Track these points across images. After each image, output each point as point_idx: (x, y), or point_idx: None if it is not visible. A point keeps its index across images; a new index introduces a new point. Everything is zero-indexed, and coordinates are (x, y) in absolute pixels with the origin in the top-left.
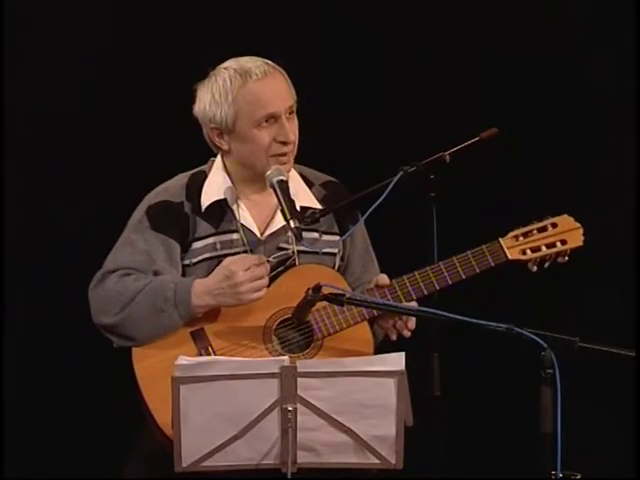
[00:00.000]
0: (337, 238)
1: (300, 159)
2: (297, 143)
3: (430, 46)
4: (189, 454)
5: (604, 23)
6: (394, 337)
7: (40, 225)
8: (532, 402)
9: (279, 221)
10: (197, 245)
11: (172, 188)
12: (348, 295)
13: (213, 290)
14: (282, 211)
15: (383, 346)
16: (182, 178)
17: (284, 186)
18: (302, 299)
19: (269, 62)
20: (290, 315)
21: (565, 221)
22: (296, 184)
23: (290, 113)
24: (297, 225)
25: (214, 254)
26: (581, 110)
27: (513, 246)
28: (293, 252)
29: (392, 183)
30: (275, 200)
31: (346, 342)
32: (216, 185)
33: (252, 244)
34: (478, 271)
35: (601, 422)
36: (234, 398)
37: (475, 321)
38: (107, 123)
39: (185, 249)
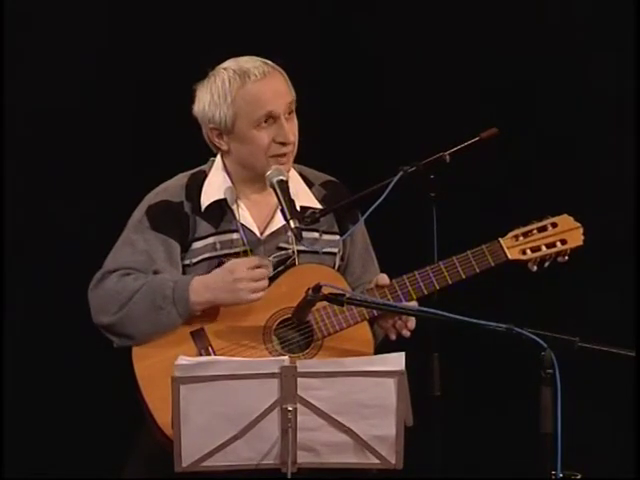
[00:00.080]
0: (337, 238)
1: (300, 159)
2: (297, 143)
3: (430, 46)
4: (189, 454)
5: (604, 23)
6: (393, 337)
7: (40, 225)
8: (532, 402)
9: (279, 221)
10: (197, 245)
11: (172, 188)
12: (348, 295)
13: (212, 286)
14: (282, 211)
15: (383, 346)
16: (182, 178)
17: (284, 186)
18: (302, 299)
19: (268, 62)
20: (290, 315)
21: (565, 221)
22: (296, 184)
23: (289, 113)
24: (297, 225)
25: (214, 254)
26: (581, 110)
27: (513, 246)
28: (293, 252)
29: (392, 183)
30: (275, 200)
31: (346, 342)
32: (216, 185)
33: (252, 244)
34: (478, 271)
35: (601, 422)
36: (234, 398)
37: (475, 321)
38: (107, 123)
39: (185, 249)
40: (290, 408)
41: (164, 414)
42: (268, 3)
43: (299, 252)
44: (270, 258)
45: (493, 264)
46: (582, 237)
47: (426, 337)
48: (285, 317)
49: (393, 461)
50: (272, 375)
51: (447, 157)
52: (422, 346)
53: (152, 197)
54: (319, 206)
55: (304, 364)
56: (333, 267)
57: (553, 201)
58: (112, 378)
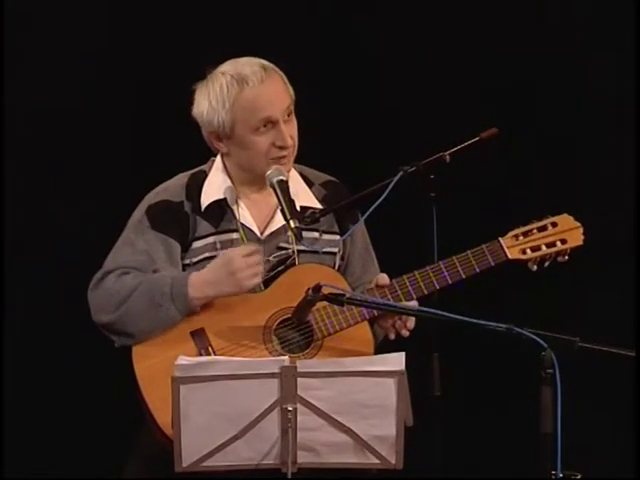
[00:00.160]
0: (337, 237)
1: (300, 159)
2: (297, 144)
3: (430, 46)
4: (189, 454)
5: (604, 23)
6: (392, 336)
7: (40, 225)
8: (532, 402)
9: (279, 221)
10: (197, 244)
11: (172, 188)
12: (348, 295)
13: (211, 280)
14: (282, 211)
15: (383, 346)
16: (182, 178)
17: (284, 186)
18: (302, 299)
19: (266, 64)
20: (290, 315)
21: (565, 220)
22: (296, 184)
23: (288, 115)
24: (297, 225)
25: (214, 253)
26: (581, 110)
27: (513, 245)
28: (293, 251)
29: (392, 183)
30: (275, 200)
31: (346, 342)
32: (216, 185)
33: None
34: (478, 271)
35: (601, 422)
36: (234, 398)
37: (475, 321)
38: (107, 123)
39: (185, 248)
40: (290, 408)
41: (164, 414)
42: (268, 3)
43: (299, 252)
44: (270, 258)
45: (493, 264)
46: (582, 237)
47: (426, 337)
48: (285, 317)
49: (393, 461)
50: (272, 375)
51: (447, 157)
52: (422, 346)
53: (152, 197)
54: (319, 206)
55: (304, 364)
56: (333, 267)
57: (553, 201)
58: (112, 378)
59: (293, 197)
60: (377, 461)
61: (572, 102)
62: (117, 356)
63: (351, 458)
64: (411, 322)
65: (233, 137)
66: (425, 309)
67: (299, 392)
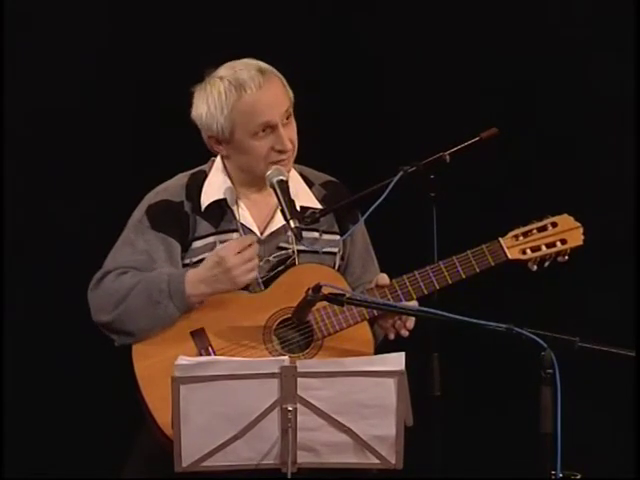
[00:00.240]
0: (337, 237)
1: (300, 159)
2: (296, 146)
3: (430, 46)
4: (189, 454)
5: (604, 23)
6: (392, 336)
7: (40, 225)
8: (532, 402)
9: (279, 221)
10: (197, 244)
11: (172, 187)
12: (348, 295)
13: (207, 278)
14: (282, 211)
15: (383, 346)
16: (182, 178)
17: (284, 186)
18: (302, 299)
19: (264, 67)
20: (290, 315)
21: (565, 220)
22: (296, 184)
23: (287, 118)
24: (297, 225)
25: None
26: (581, 110)
27: (513, 246)
28: (293, 252)
29: (392, 183)
30: (275, 200)
31: (346, 342)
32: (216, 185)
33: None
34: (478, 271)
35: (601, 422)
36: (234, 398)
37: (475, 321)
38: (107, 123)
39: (185, 248)
40: (290, 408)
41: (164, 414)
42: (268, 3)
43: (299, 252)
44: (270, 258)
45: (493, 264)
46: (582, 237)
47: (426, 337)
48: (285, 317)
49: (393, 461)
50: (272, 375)
51: (447, 157)
52: (422, 346)
53: (152, 197)
54: (319, 206)
55: (304, 364)
56: (333, 267)
57: (553, 201)
58: (112, 378)
59: (293, 197)
60: (377, 461)
61: (572, 102)
62: (117, 356)
63: (351, 458)
64: (411, 322)
65: (232, 142)
66: (425, 309)
67: (299, 392)
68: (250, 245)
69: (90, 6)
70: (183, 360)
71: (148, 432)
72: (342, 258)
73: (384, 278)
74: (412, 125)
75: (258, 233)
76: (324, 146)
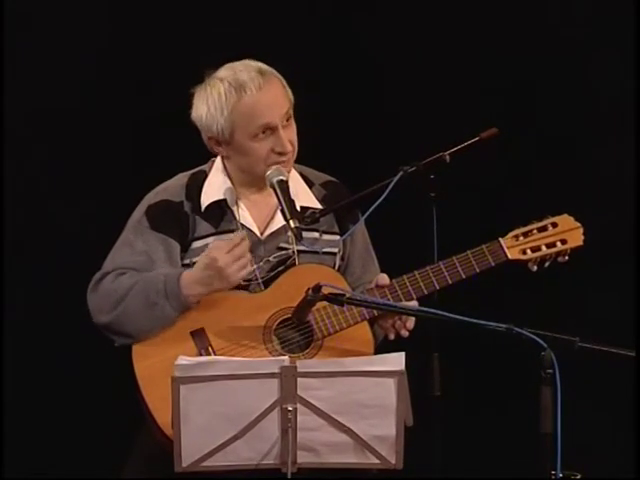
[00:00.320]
0: (337, 238)
1: (300, 159)
2: (296, 148)
3: (430, 46)
4: (189, 454)
5: (604, 23)
6: (392, 336)
7: (40, 225)
8: (532, 402)
9: (279, 221)
10: (197, 244)
11: (172, 188)
12: (348, 295)
13: (201, 279)
14: (282, 211)
15: (383, 346)
16: (182, 178)
17: (284, 186)
18: (302, 299)
19: (264, 68)
20: (290, 315)
21: (565, 221)
22: (296, 184)
23: (287, 119)
24: (297, 225)
25: None
26: (581, 110)
27: (513, 246)
28: (293, 252)
29: (392, 183)
30: (275, 200)
31: (346, 342)
32: (216, 185)
33: (252, 244)
34: (478, 271)
35: (601, 422)
36: (234, 398)
37: (475, 321)
38: (107, 123)
39: (185, 249)
40: (290, 408)
41: (164, 414)
42: (268, 3)
43: (299, 252)
44: (270, 258)
45: (493, 264)
46: (582, 237)
47: (426, 337)
48: (285, 317)
49: (393, 461)
50: (272, 375)
51: (447, 157)
52: (422, 346)
53: (152, 197)
54: (319, 206)
55: (304, 364)
56: (333, 267)
57: (553, 201)
58: (112, 378)
59: (293, 197)
60: (377, 461)
61: (572, 102)
62: (117, 356)
63: (351, 458)
64: (411, 322)
65: (232, 143)
66: (425, 309)
67: (299, 392)
68: (240, 242)
69: (90, 6)
70: (183, 360)
71: (148, 432)
72: (342, 258)
73: (384, 278)
74: (412, 125)
75: (258, 233)
76: (324, 146)
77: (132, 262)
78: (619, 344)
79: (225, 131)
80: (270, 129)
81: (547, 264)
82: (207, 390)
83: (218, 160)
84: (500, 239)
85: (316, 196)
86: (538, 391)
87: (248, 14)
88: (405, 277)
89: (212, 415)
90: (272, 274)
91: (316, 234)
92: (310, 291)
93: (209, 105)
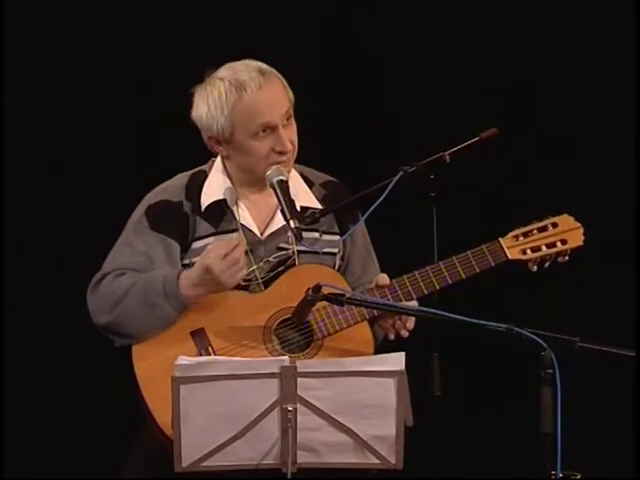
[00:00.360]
0: (337, 238)
1: (300, 159)
2: (296, 147)
3: (430, 46)
4: (189, 454)
5: (604, 23)
6: (392, 336)
7: (40, 225)
8: (532, 402)
9: (279, 221)
10: (197, 245)
11: (172, 188)
12: (348, 295)
13: (198, 283)
14: (282, 211)
15: (383, 346)
16: (182, 178)
17: (284, 186)
18: (302, 299)
19: (264, 68)
20: (290, 315)
21: (565, 221)
22: (296, 184)
23: (288, 119)
24: (297, 225)
25: None
26: (581, 110)
27: (513, 246)
28: (293, 252)
29: (392, 183)
30: (275, 200)
31: (346, 342)
32: (216, 185)
33: (252, 244)
34: (478, 271)
35: (601, 422)
36: (234, 398)
37: (475, 321)
38: (107, 123)
39: (185, 249)
40: (290, 408)
41: (164, 414)
42: (268, 3)
43: (299, 252)
44: (270, 258)
45: (493, 264)
46: (582, 237)
47: (426, 337)
48: (285, 317)
49: (393, 461)
50: (272, 375)
51: (447, 157)
52: (422, 346)
53: (152, 197)
54: (319, 206)
55: (304, 364)
56: (333, 267)
57: (553, 201)
58: (112, 378)
59: (293, 197)
60: (377, 461)
61: (572, 102)
62: (117, 356)
63: (351, 458)
64: (411, 322)
65: (232, 142)
66: (425, 309)
67: (299, 392)
68: (234, 248)
69: (90, 6)
70: (183, 360)
71: (148, 432)
72: (342, 258)
73: (384, 278)
74: (412, 125)
75: (258, 233)
76: (324, 146)
77: (132, 262)
78: (619, 344)
79: (225, 130)
80: (270, 128)
81: (547, 264)
82: (207, 390)
83: (218, 160)
84: (500, 239)
85: (316, 196)
86: (538, 391)
87: (248, 14)
88: (405, 277)
89: (212, 415)
90: (272, 274)
91: (316, 234)
92: (310, 291)
93: (209, 104)
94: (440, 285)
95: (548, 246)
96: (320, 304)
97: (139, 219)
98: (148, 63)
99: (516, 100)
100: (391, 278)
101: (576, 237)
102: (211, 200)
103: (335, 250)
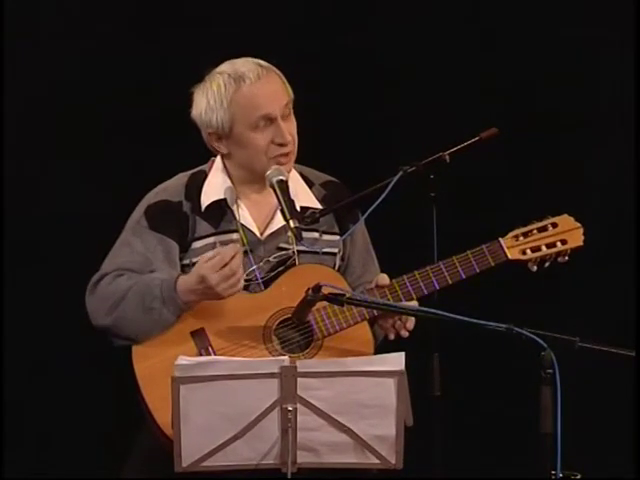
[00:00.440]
0: (337, 238)
1: (300, 159)
2: (296, 142)
3: (430, 46)
4: (189, 454)
5: (604, 23)
6: (392, 337)
7: (40, 225)
8: (532, 402)
9: (279, 221)
10: (197, 245)
11: (171, 188)
12: (348, 295)
13: (194, 290)
14: (282, 211)
15: (383, 346)
16: (182, 178)
17: (284, 186)
18: (302, 299)
19: (263, 64)
20: (290, 315)
21: (565, 221)
22: (296, 184)
23: (287, 114)
24: (297, 225)
25: None
26: (581, 110)
27: (513, 246)
28: (293, 252)
29: (392, 183)
30: (275, 200)
31: (346, 342)
32: (216, 185)
33: (252, 244)
34: (478, 271)
35: (601, 422)
36: (234, 398)
37: (475, 321)
38: (107, 123)
39: (184, 249)
40: (290, 408)
41: (164, 414)
42: (268, 3)
43: (299, 252)
44: (270, 258)
45: (493, 264)
46: (582, 237)
47: (426, 337)
48: (285, 317)
49: (393, 461)
50: (272, 375)
51: (447, 157)
52: (422, 346)
53: (151, 197)
54: (319, 206)
55: (304, 364)
56: (333, 267)
57: (553, 201)
58: (112, 378)
59: (293, 197)
60: (377, 461)
61: (572, 102)
62: (117, 356)
63: (351, 458)
64: (411, 322)
65: (232, 136)
66: (425, 309)
67: (299, 392)
68: (230, 260)
69: (90, 6)
70: (183, 360)
71: (148, 432)
72: (342, 258)
73: (384, 278)
74: (412, 125)
75: (258, 233)
76: (324, 146)
77: (130, 262)
78: (619, 344)
79: (225, 124)
80: (270, 119)
81: (547, 264)
82: (207, 390)
83: (218, 160)
84: (500, 239)
85: (316, 196)
86: (538, 391)
87: (248, 14)
88: (405, 277)
89: (212, 415)
90: (272, 274)
91: (316, 234)
92: (310, 291)
93: (208, 98)
94: (440, 285)
95: (548, 246)
96: (320, 304)
97: (138, 219)
98: (148, 63)
99: (516, 100)
100: (391, 278)
101: (576, 237)
102: (211, 200)
103: (335, 250)
